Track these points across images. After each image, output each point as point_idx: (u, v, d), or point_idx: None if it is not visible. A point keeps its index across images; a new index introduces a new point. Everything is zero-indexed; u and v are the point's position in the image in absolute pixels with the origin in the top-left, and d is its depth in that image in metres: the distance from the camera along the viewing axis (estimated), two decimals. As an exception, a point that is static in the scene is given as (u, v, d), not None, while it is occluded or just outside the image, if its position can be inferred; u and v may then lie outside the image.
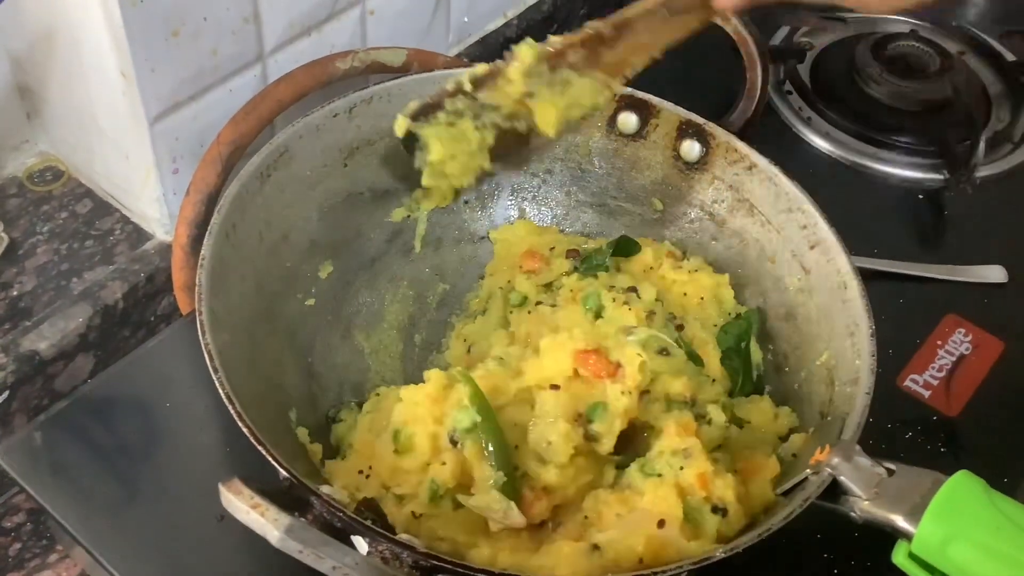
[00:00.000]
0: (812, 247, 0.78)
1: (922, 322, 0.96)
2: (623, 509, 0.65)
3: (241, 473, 0.60)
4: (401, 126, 0.75)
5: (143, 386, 0.85)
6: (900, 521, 0.58)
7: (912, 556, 0.58)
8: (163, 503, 0.78)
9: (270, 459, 0.59)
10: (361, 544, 0.61)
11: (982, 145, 1.06)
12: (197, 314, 0.65)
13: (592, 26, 0.75)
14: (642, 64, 0.77)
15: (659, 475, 0.66)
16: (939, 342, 0.95)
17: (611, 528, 0.64)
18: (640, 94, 0.85)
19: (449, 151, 0.75)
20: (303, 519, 0.55)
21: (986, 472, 0.61)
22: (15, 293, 0.87)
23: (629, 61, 0.76)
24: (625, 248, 0.85)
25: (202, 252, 0.69)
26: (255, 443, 0.59)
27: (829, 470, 0.61)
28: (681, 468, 0.66)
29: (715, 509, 0.66)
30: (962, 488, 0.57)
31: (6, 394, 0.82)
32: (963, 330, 0.96)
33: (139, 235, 0.93)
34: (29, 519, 0.83)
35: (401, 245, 0.88)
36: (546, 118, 0.75)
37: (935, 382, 0.92)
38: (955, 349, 0.95)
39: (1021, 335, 0.96)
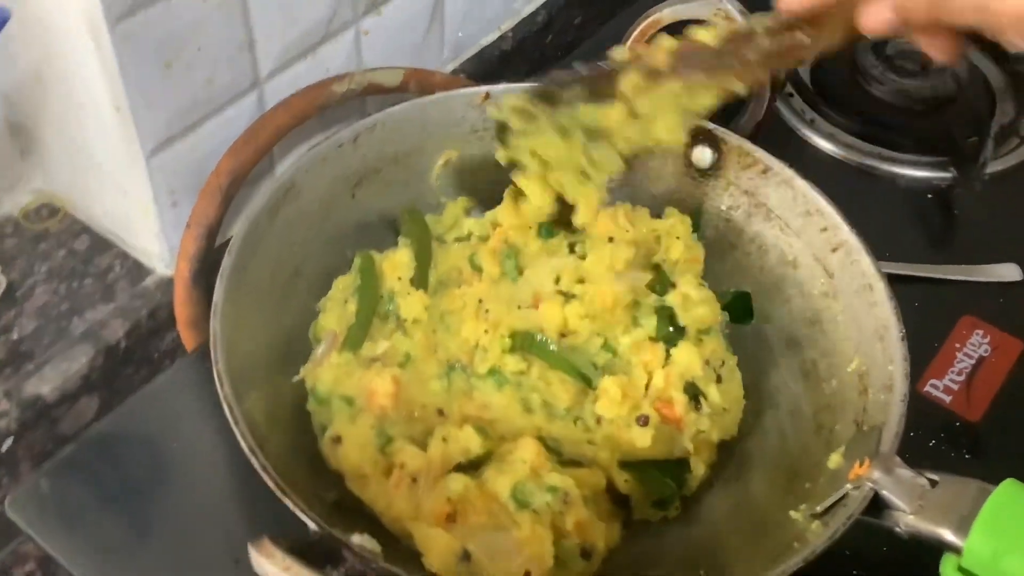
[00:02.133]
0: (834, 250, 0.76)
1: (939, 325, 0.95)
2: (487, 519, 0.66)
3: (255, 512, 0.59)
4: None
5: (150, 426, 0.83)
6: (948, 535, 0.56)
7: (962, 569, 0.56)
8: (177, 546, 0.76)
9: (300, 514, 0.57)
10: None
11: (991, 140, 1.05)
12: (213, 363, 0.63)
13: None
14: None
15: (532, 509, 0.67)
16: (957, 345, 0.93)
17: (480, 537, 0.65)
18: None
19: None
20: (335, 572, 0.53)
21: (1014, 476, 0.59)
22: (15, 336, 0.84)
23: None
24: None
25: (214, 299, 0.67)
26: (281, 495, 0.58)
27: (870, 484, 0.59)
28: (560, 512, 0.67)
29: (584, 553, 0.67)
30: (1011, 498, 0.55)
31: (10, 440, 0.79)
32: (981, 331, 0.94)
33: (139, 271, 0.91)
34: (39, 568, 0.81)
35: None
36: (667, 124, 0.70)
37: (955, 386, 0.90)
38: (974, 351, 0.93)
39: (1040, 334, 0.95)
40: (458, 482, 0.67)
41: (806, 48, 0.65)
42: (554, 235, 0.80)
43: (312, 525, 0.56)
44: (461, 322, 0.76)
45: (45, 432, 0.83)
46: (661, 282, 0.78)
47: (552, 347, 0.75)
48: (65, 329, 0.86)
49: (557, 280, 0.76)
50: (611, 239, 0.77)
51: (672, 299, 0.77)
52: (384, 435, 0.71)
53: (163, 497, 0.79)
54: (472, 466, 0.69)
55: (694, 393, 0.74)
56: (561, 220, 0.78)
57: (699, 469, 0.73)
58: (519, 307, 0.76)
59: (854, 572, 0.77)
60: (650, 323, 0.76)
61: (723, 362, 0.78)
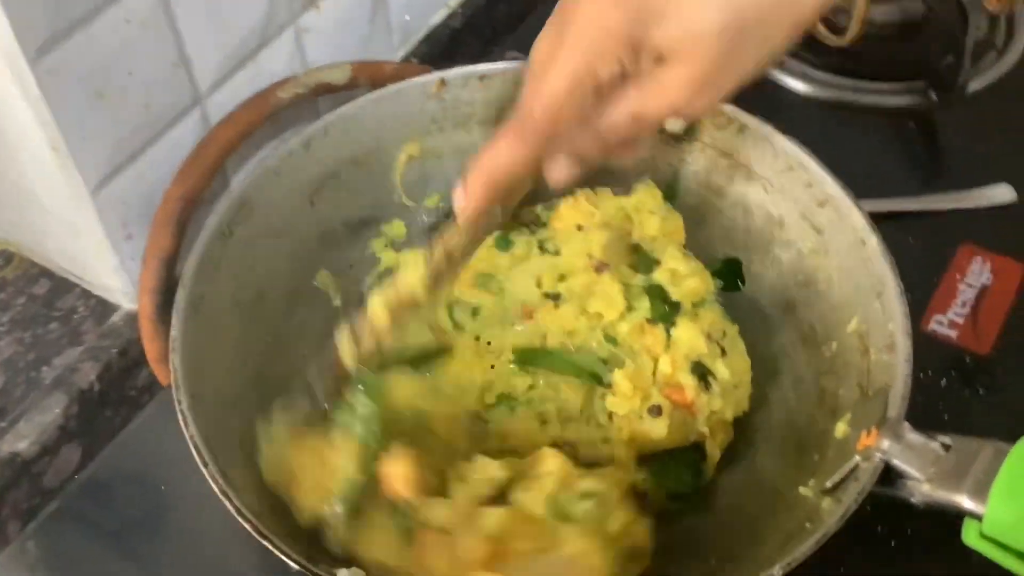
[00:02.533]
0: (821, 205, 0.73)
1: (936, 258, 0.91)
2: (532, 544, 0.61)
3: (253, 546, 0.56)
4: None
5: (136, 469, 0.81)
6: (966, 502, 0.53)
7: (984, 536, 0.53)
8: (177, 589, 0.74)
9: (278, 553, 0.54)
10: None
11: (967, 57, 1.01)
12: (176, 404, 0.60)
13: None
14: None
15: (574, 521, 0.63)
16: (957, 276, 0.90)
17: (531, 567, 0.61)
18: None
19: None
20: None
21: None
22: (-17, 394, 0.82)
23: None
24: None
25: (171, 333, 0.64)
26: (259, 537, 0.55)
27: (880, 455, 0.56)
28: (602, 517, 0.63)
29: (634, 556, 0.64)
30: (1028, 458, 0.52)
31: (-7, 504, 0.77)
32: (980, 258, 0.91)
33: (104, 308, 0.87)
34: (40, 631, 0.78)
35: (386, 275, 0.83)
36: None
37: (961, 320, 0.87)
38: (975, 280, 0.90)
39: (1041, 253, 0.91)
40: (492, 517, 0.62)
41: (496, 220, 0.70)
42: (510, 243, 0.77)
43: (294, 566, 0.53)
44: (467, 373, 0.74)
45: (29, 489, 0.80)
46: (644, 262, 0.75)
47: (558, 353, 0.73)
48: (35, 379, 0.83)
49: (539, 284, 0.73)
50: (579, 227, 0.74)
51: (660, 276, 0.74)
52: (404, 523, 0.65)
53: (159, 542, 0.77)
54: (498, 498, 0.65)
55: (702, 373, 0.72)
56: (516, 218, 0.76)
57: (715, 454, 0.71)
58: (512, 325, 0.73)
59: (879, 528, 0.75)
60: (643, 305, 0.73)
61: (724, 332, 0.75)
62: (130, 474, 0.81)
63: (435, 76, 0.79)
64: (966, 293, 0.89)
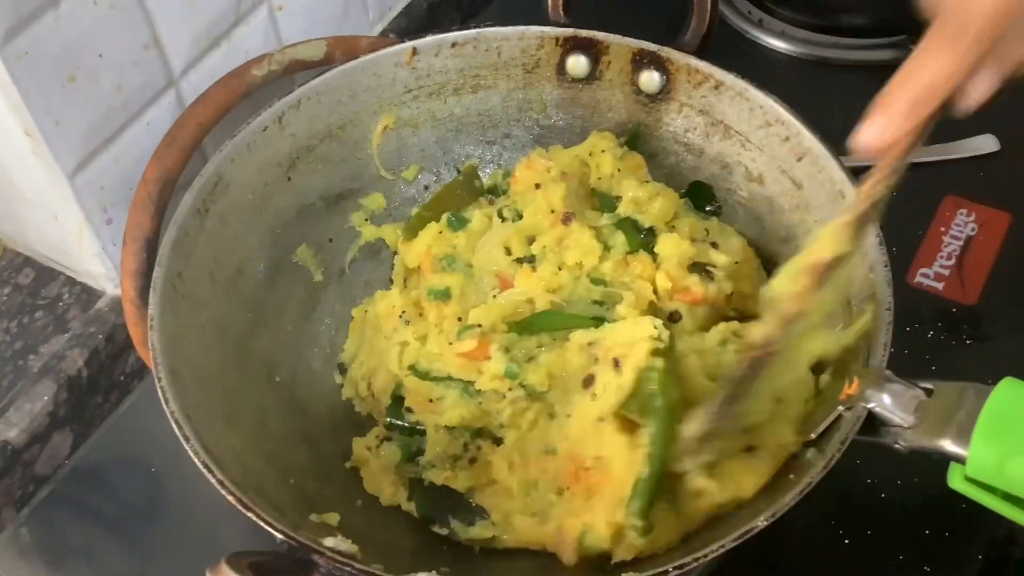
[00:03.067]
0: (799, 159, 0.72)
1: (921, 211, 0.91)
2: None
3: (244, 523, 0.56)
4: None
5: (126, 451, 0.81)
6: (949, 445, 0.53)
7: (968, 479, 0.53)
8: (169, 569, 0.75)
9: (262, 524, 0.54)
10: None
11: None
12: (156, 380, 0.60)
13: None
14: None
15: None
16: (942, 228, 0.90)
17: None
18: (584, 32, 0.79)
19: None
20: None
21: (1020, 354, 0.56)
22: (-28, 384, 0.81)
23: None
24: None
25: (149, 311, 0.64)
26: (242, 509, 0.55)
27: (863, 404, 0.56)
28: None
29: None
30: (1008, 398, 0.52)
31: (-16, 493, 0.77)
32: (964, 210, 0.91)
33: (89, 295, 0.87)
34: (39, 617, 0.79)
35: (367, 249, 0.83)
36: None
37: (946, 272, 0.87)
38: (960, 232, 0.90)
39: (1025, 201, 0.91)
40: None
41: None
42: (464, 221, 0.77)
43: (278, 536, 0.53)
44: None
45: (21, 477, 0.80)
46: (604, 201, 0.75)
47: (552, 312, 0.72)
48: (23, 368, 0.83)
49: (509, 251, 0.73)
50: (537, 185, 0.74)
51: (625, 208, 0.74)
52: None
53: (149, 526, 0.77)
54: None
55: (701, 268, 0.72)
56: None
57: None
58: (492, 297, 0.73)
59: (868, 480, 0.75)
60: (619, 240, 0.73)
61: (707, 231, 0.75)
62: (121, 458, 0.81)
63: (407, 45, 0.79)
64: (951, 245, 0.89)
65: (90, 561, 0.75)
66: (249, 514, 0.55)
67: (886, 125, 0.56)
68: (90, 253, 0.84)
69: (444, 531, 0.70)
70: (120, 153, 0.81)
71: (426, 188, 0.85)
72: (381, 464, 0.72)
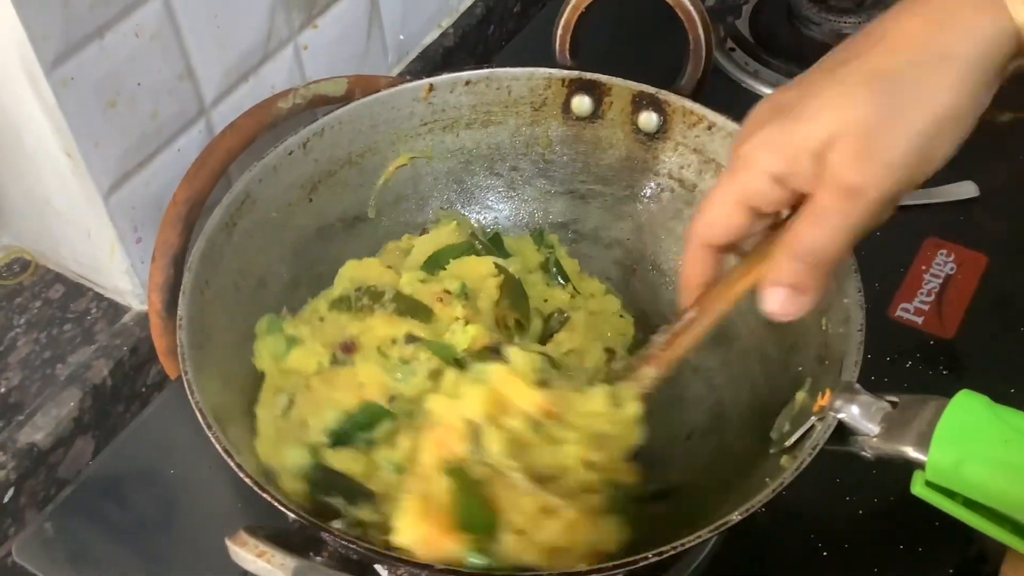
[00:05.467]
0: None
1: (903, 250, 0.96)
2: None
3: (256, 522, 0.60)
4: None
5: (145, 458, 0.85)
6: (911, 452, 0.57)
7: (929, 484, 0.58)
8: (186, 571, 0.78)
9: (275, 503, 0.58)
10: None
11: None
12: (183, 374, 0.65)
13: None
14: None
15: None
16: (923, 267, 0.95)
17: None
18: (589, 75, 0.85)
19: None
20: (319, 557, 0.55)
21: (993, 385, 0.61)
22: (2, 389, 0.86)
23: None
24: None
25: (179, 312, 0.69)
26: (258, 490, 0.59)
27: (833, 413, 0.61)
28: None
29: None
30: (965, 408, 0.57)
31: (11, 491, 0.81)
32: (944, 251, 0.96)
33: (115, 310, 0.92)
34: (57, 611, 0.83)
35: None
36: None
37: (926, 307, 0.92)
38: (940, 271, 0.95)
39: (1001, 245, 0.96)
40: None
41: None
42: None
43: (291, 515, 0.58)
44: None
45: (45, 479, 0.84)
46: None
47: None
48: (51, 376, 0.87)
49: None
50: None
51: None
52: None
53: (167, 525, 0.81)
54: None
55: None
56: None
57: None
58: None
59: (847, 498, 0.79)
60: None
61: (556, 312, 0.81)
62: (140, 464, 0.85)
63: (424, 82, 0.84)
64: (931, 283, 0.94)
65: (106, 563, 0.79)
66: (264, 495, 0.58)
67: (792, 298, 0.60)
68: (120, 270, 0.89)
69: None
70: (152, 176, 0.87)
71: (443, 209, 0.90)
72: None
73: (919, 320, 0.91)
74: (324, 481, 0.68)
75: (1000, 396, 0.60)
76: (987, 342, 0.90)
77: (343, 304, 0.78)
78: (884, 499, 0.79)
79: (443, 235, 0.84)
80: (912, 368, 0.87)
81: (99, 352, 0.89)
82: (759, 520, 0.59)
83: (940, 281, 0.94)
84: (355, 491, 0.67)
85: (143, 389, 0.92)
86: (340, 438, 0.70)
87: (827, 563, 0.77)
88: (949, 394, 0.59)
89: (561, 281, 0.86)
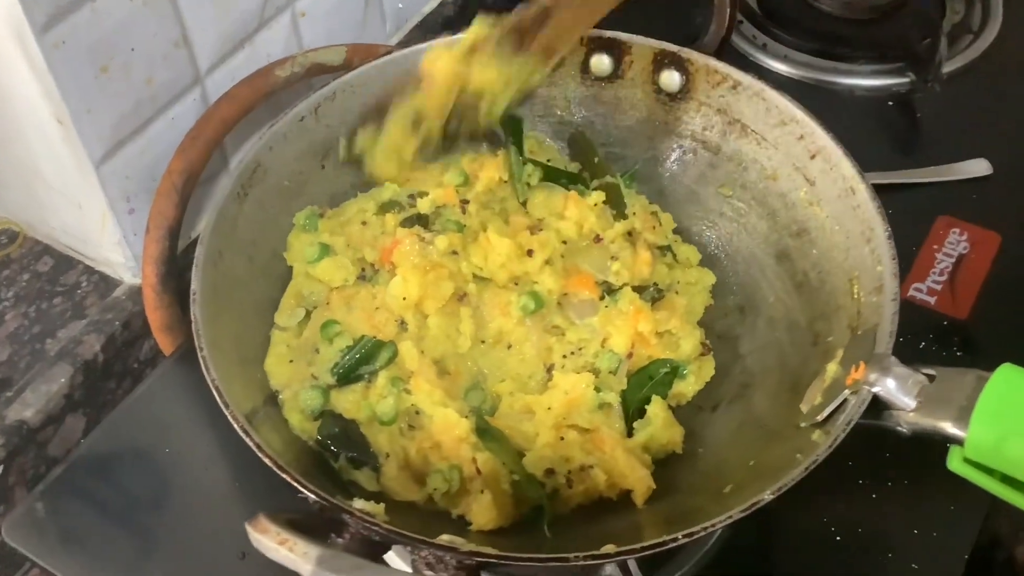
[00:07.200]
0: (813, 156, 0.75)
1: (915, 229, 0.94)
2: None
3: (254, 505, 0.58)
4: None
5: (139, 436, 0.82)
6: (949, 427, 0.55)
7: (967, 460, 0.55)
8: (180, 551, 0.76)
9: (298, 487, 0.56)
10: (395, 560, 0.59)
11: (944, 39, 1.04)
12: (198, 350, 0.62)
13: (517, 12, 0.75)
14: (568, 47, 0.79)
15: None
16: (935, 246, 0.93)
17: None
18: (608, 33, 0.82)
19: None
20: (340, 539, 0.53)
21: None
22: (-10, 365, 0.83)
23: (555, 46, 0.78)
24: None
25: (192, 287, 0.66)
26: (278, 471, 0.57)
27: (868, 387, 0.58)
28: None
29: None
30: (1007, 382, 0.54)
31: (0, 470, 0.78)
32: (957, 230, 0.94)
33: (107, 283, 0.89)
34: (48, 593, 0.80)
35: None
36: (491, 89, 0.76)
37: (939, 287, 0.90)
38: (953, 250, 0.93)
39: (1015, 223, 0.95)
40: None
41: None
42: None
43: (312, 496, 0.55)
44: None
45: (35, 456, 0.82)
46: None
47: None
48: (40, 351, 0.84)
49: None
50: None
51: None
52: None
53: (162, 504, 0.78)
54: None
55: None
56: None
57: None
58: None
59: (860, 481, 0.78)
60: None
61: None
62: (133, 442, 0.82)
63: (439, 41, 0.81)
64: (944, 262, 0.92)
65: (97, 541, 0.76)
66: (284, 476, 0.56)
67: None
68: (111, 242, 0.86)
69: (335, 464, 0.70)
70: (146, 145, 0.84)
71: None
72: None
73: (932, 300, 0.89)
74: (333, 436, 0.69)
75: (1018, 377, 0.57)
76: (1001, 322, 0.88)
77: (392, 207, 0.79)
78: (898, 483, 0.77)
79: None
80: (925, 349, 0.86)
81: (90, 327, 0.86)
82: (769, 502, 0.57)
83: (953, 260, 0.92)
84: (360, 448, 0.68)
85: (136, 365, 0.89)
86: (346, 373, 0.70)
87: (840, 547, 0.75)
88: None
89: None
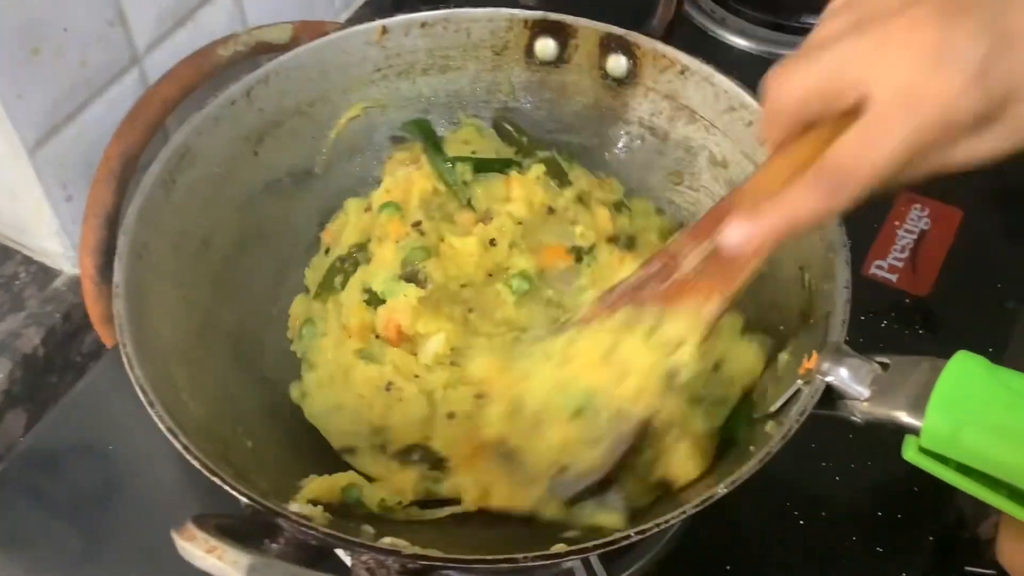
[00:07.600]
0: (762, 143, 0.73)
1: (876, 206, 0.92)
2: None
3: (203, 505, 0.56)
4: None
5: (83, 431, 0.80)
6: (904, 417, 0.54)
7: (923, 450, 0.54)
8: (128, 552, 0.74)
9: (227, 488, 0.54)
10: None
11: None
12: (121, 347, 0.60)
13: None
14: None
15: None
16: (896, 223, 0.92)
17: None
18: (553, 16, 0.80)
19: None
20: (275, 544, 0.51)
21: (968, 345, 0.57)
22: (-76, 361, 0.80)
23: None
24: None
25: (114, 279, 0.63)
26: (208, 474, 0.55)
27: (820, 377, 0.57)
28: None
29: None
30: (963, 371, 0.53)
31: (-64, 470, 0.76)
32: (919, 205, 0.93)
33: (46, 274, 0.86)
34: (-9, 598, 0.78)
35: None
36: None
37: (900, 264, 0.89)
38: (914, 226, 0.92)
39: (977, 199, 0.93)
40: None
41: None
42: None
43: (243, 500, 0.53)
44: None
45: (-26, 455, 0.79)
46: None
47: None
48: (-23, 346, 0.82)
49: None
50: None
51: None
52: None
53: (108, 504, 0.76)
54: None
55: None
56: None
57: None
58: None
59: (823, 463, 0.77)
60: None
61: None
62: (77, 438, 0.80)
63: (377, 24, 0.79)
64: (905, 239, 0.91)
65: (42, 542, 0.74)
66: (214, 478, 0.54)
67: (751, 237, 0.56)
68: (48, 231, 0.83)
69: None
70: (82, 130, 0.81)
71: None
72: None
73: (893, 278, 0.88)
74: None
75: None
76: (963, 299, 0.87)
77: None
78: (862, 464, 0.76)
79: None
80: (887, 328, 0.85)
81: (29, 319, 0.83)
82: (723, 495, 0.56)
83: (914, 237, 0.91)
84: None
85: (78, 358, 0.87)
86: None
87: (804, 531, 0.74)
88: (926, 353, 0.56)
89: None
